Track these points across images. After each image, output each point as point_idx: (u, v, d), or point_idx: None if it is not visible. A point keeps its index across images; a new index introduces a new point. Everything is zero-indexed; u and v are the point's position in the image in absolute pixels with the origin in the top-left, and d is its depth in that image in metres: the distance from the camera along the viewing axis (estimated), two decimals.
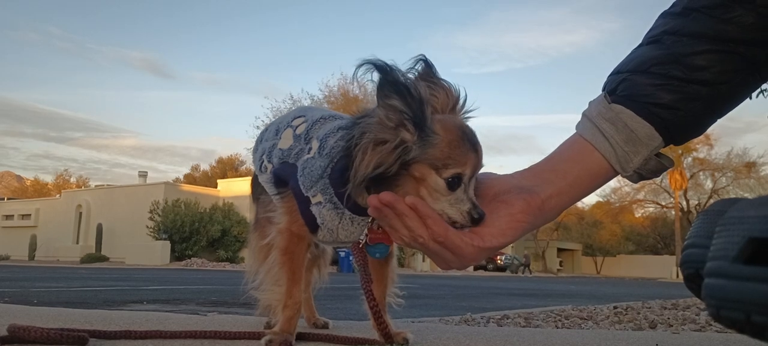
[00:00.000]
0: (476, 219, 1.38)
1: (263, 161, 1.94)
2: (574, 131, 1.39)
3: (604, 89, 1.36)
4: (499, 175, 1.37)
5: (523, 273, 37.42)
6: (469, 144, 1.47)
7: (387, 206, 1.25)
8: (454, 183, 1.42)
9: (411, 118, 1.40)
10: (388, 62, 1.41)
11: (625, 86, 1.31)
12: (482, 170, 1.51)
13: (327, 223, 1.74)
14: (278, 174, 1.85)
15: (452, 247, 1.24)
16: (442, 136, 1.44)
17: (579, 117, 1.38)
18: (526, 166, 1.39)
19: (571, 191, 1.34)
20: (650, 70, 1.29)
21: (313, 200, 1.74)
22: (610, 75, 1.37)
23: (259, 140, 2.04)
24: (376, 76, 1.40)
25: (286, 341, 1.71)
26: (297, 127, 1.90)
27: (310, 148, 1.79)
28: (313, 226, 1.77)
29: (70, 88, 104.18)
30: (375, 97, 1.43)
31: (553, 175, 1.34)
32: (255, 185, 2.12)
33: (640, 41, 1.37)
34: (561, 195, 1.32)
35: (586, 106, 1.37)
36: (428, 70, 1.55)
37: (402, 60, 1.51)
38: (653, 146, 1.31)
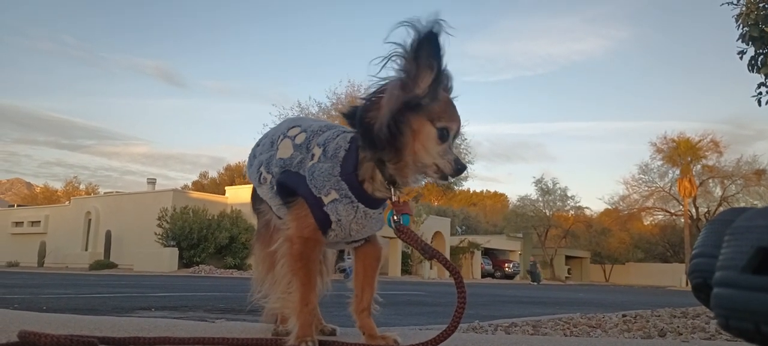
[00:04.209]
0: (459, 169, 1.71)
1: (261, 173, 1.97)
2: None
3: None
4: None
5: (532, 281, 37.01)
6: (455, 109, 1.78)
7: None
8: (443, 134, 1.72)
9: (437, 76, 1.69)
10: (434, 28, 1.66)
11: None
12: None
13: (342, 219, 1.81)
14: (283, 183, 1.88)
15: None
16: (444, 97, 1.74)
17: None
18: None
19: None
20: None
21: (327, 200, 1.78)
22: None
23: (253, 155, 2.09)
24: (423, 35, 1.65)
25: None
26: (295, 137, 1.94)
27: (313, 155, 1.84)
28: (325, 227, 1.81)
29: (82, 97, 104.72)
30: (413, 49, 1.67)
31: None
32: (255, 196, 2.15)
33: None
34: None
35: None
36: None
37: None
38: None
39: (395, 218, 1.80)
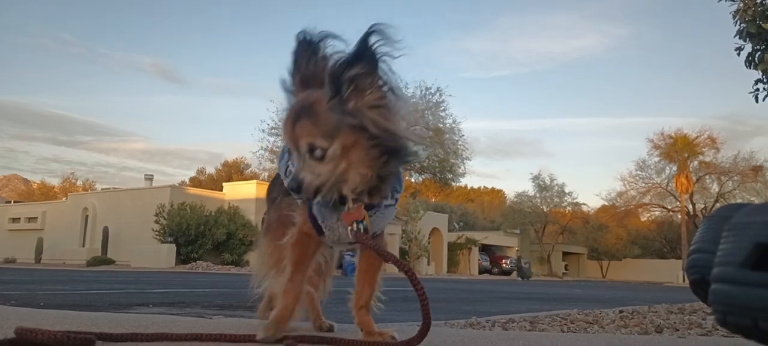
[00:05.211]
0: (292, 186, 1.69)
1: (288, 167, 2.00)
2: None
3: None
4: None
5: (522, 278, 37.02)
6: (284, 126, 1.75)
7: None
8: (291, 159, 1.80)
9: None
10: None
11: None
12: None
13: (326, 220, 1.81)
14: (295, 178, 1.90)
15: None
16: None
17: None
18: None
19: None
20: None
21: (314, 200, 1.79)
22: None
23: (285, 149, 2.11)
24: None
25: (277, 333, 1.78)
26: None
27: None
28: (318, 228, 1.82)
29: (80, 93, 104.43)
30: None
31: None
32: (272, 187, 2.17)
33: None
34: None
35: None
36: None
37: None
38: None
39: (352, 227, 1.76)
